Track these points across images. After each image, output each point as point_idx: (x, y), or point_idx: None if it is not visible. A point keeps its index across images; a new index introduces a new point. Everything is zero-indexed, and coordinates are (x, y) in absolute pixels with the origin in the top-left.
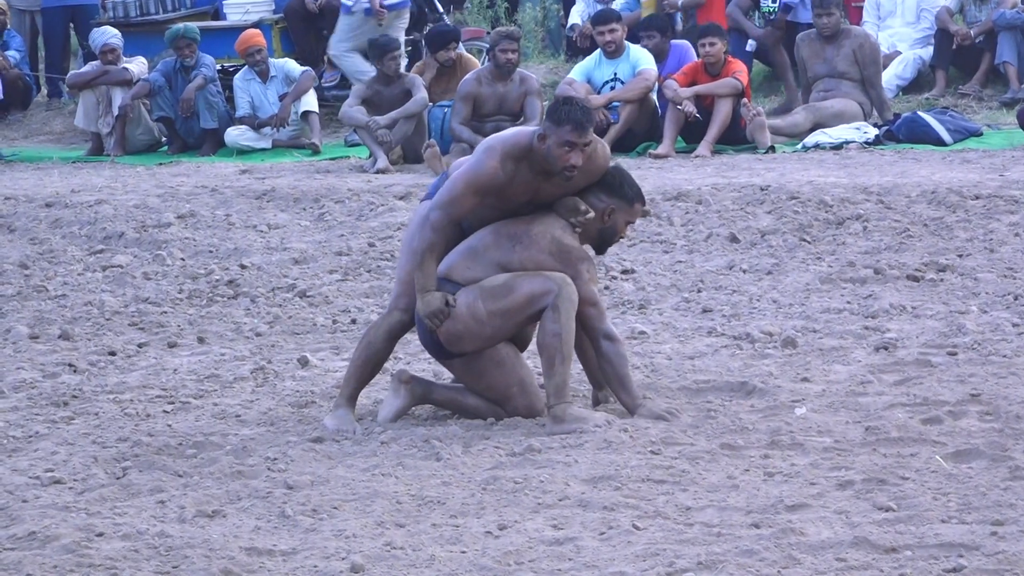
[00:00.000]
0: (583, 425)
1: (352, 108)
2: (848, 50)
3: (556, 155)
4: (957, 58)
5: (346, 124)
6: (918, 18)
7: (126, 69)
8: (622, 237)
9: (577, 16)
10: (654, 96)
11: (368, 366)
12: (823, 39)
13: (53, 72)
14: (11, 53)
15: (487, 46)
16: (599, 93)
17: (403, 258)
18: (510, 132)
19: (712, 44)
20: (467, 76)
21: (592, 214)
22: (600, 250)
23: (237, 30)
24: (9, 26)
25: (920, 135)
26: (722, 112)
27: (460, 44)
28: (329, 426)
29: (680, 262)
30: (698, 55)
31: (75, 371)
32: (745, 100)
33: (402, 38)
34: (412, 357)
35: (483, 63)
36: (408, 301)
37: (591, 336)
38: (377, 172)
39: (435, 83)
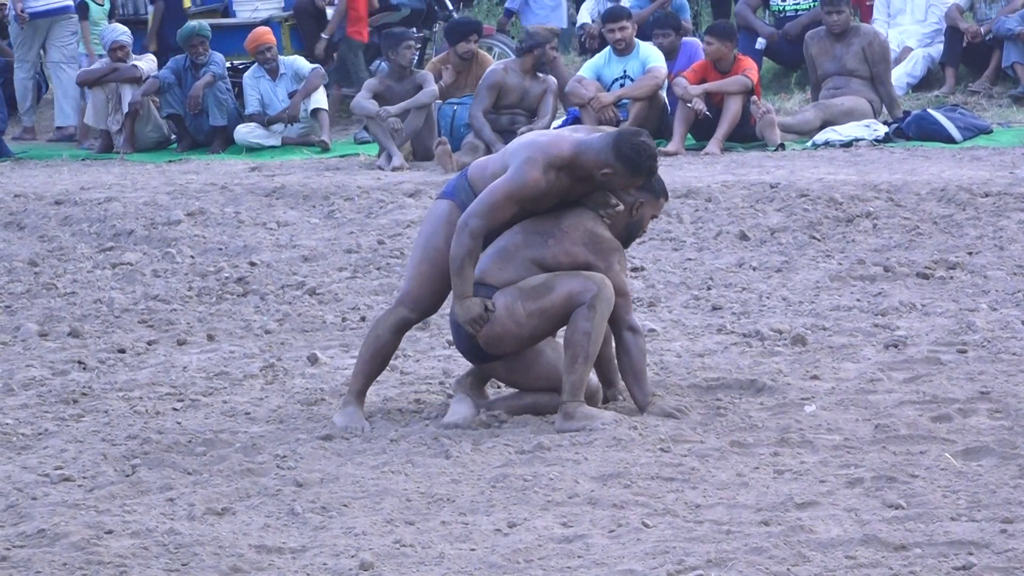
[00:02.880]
0: (592, 423)
1: (363, 100)
2: (857, 48)
3: (615, 189)
4: (967, 56)
5: (357, 114)
6: (928, 16)
7: (136, 66)
8: (644, 231)
9: (587, 14)
10: (664, 93)
11: (375, 361)
12: (832, 37)
13: None
14: None
15: (496, 43)
16: (609, 90)
17: (416, 255)
18: (549, 140)
19: (708, 44)
20: (494, 66)
21: (621, 207)
22: (625, 244)
23: (247, 28)
24: None
25: (930, 132)
26: (732, 109)
27: (480, 39)
28: (338, 423)
29: (690, 259)
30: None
31: (84, 368)
32: (755, 97)
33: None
34: (421, 355)
35: (497, 59)
36: (416, 298)
37: (615, 326)
38: (394, 170)
39: (453, 79)
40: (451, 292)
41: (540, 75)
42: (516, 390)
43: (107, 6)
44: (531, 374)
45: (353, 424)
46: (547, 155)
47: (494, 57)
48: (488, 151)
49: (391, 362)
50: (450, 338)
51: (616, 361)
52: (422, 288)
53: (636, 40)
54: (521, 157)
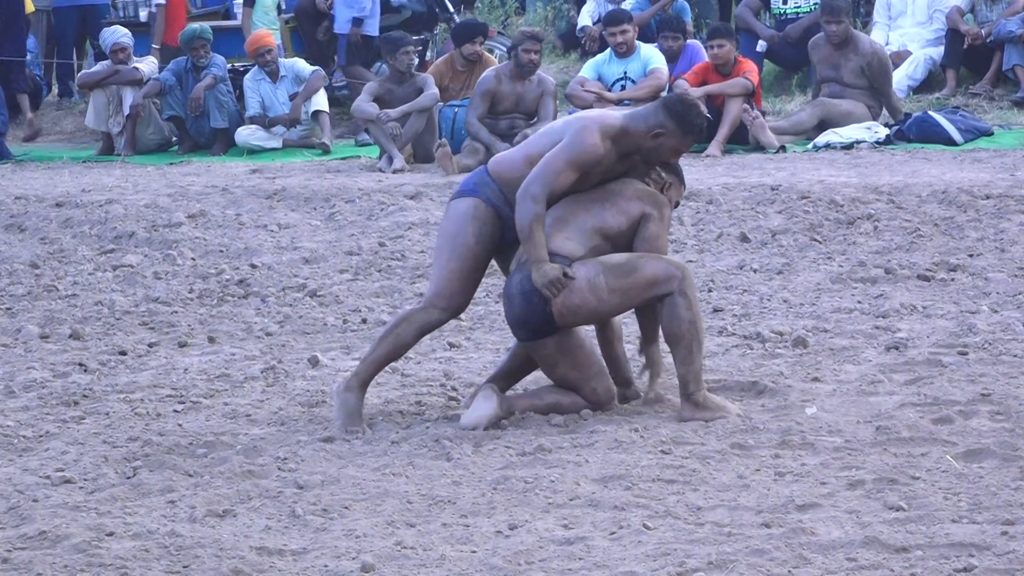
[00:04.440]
0: (724, 412)
1: (364, 103)
2: (856, 65)
3: (664, 155)
4: (968, 58)
5: (357, 117)
6: (930, 19)
7: (136, 69)
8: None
9: (587, 16)
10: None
11: (391, 357)
12: (832, 45)
13: (64, 72)
14: None
15: (497, 45)
16: (610, 91)
17: (443, 255)
18: (600, 113)
19: (720, 46)
20: (486, 73)
21: (663, 180)
22: None
23: None
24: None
25: (931, 135)
26: (733, 112)
27: (485, 41)
28: (337, 420)
29: (691, 261)
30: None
31: (85, 371)
32: (745, 106)
33: None
34: (423, 357)
35: (499, 61)
36: (448, 297)
37: None
38: (395, 172)
39: (452, 81)
40: (477, 288)
41: (535, 77)
42: (536, 390)
43: None
44: (570, 361)
45: (353, 425)
46: (602, 123)
47: (497, 59)
48: (488, 153)
49: (392, 364)
50: (452, 340)
51: (624, 360)
52: (453, 286)
53: (637, 42)
54: (576, 126)
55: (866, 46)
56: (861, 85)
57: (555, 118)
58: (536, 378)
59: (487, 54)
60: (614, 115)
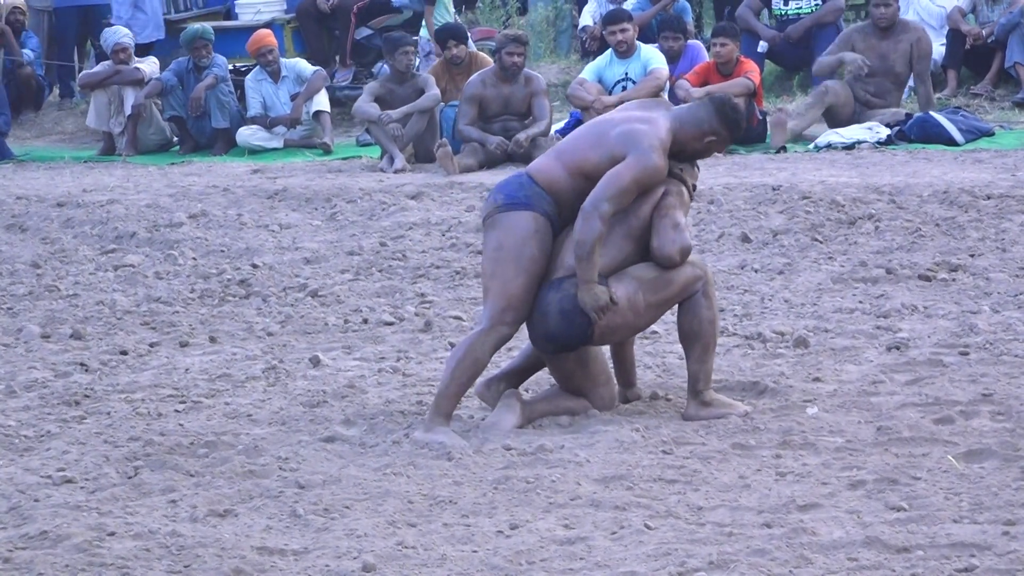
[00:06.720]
0: (731, 411)
1: (365, 103)
2: (906, 45)
3: (707, 155)
4: (969, 58)
5: (358, 118)
6: (930, 18)
7: (138, 69)
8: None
9: (589, 16)
10: (666, 96)
11: (471, 383)
12: (879, 33)
13: (65, 73)
14: (25, 52)
15: (492, 45)
16: (611, 93)
17: (506, 270)
18: (652, 127)
19: (723, 44)
20: (472, 78)
21: (695, 180)
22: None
23: (249, 30)
24: (27, 26)
25: (932, 135)
26: None
27: (469, 42)
28: (448, 442)
29: None
30: (710, 55)
31: (87, 370)
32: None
33: None
34: (423, 357)
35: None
36: (516, 311)
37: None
38: (396, 172)
39: (449, 83)
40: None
41: (523, 77)
42: (548, 395)
43: None
44: (585, 371)
45: (455, 442)
46: (664, 142)
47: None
48: (486, 151)
49: (394, 364)
50: (453, 340)
51: (632, 362)
52: (521, 300)
53: (638, 42)
54: (643, 146)
55: (913, 25)
56: (904, 77)
57: (551, 116)
58: (537, 378)
59: (482, 54)
60: (663, 125)
